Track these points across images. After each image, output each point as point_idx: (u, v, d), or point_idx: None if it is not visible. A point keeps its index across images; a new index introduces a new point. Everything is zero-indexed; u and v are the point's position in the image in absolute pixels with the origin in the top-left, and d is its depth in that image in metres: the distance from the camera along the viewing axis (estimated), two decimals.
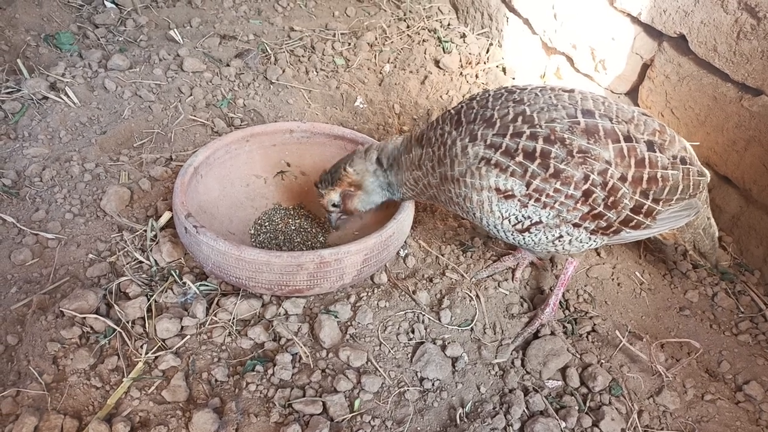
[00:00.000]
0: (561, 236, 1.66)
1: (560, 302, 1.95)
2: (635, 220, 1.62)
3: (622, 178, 1.55)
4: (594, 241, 1.69)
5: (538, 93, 1.63)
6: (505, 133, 1.57)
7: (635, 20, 2.35)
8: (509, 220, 1.65)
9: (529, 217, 1.62)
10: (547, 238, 1.67)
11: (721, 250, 2.13)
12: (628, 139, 1.55)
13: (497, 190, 1.60)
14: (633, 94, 2.49)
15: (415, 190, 1.79)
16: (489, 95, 1.68)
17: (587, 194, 1.55)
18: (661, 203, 1.61)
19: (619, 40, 2.40)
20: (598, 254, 2.10)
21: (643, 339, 1.84)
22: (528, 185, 1.56)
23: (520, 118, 1.58)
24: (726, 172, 2.15)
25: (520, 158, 1.55)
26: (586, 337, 1.85)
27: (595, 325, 1.88)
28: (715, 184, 2.20)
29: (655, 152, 1.57)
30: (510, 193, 1.59)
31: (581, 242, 1.68)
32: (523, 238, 1.69)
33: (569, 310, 1.94)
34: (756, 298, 2.00)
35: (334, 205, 1.93)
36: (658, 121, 1.65)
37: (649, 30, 2.32)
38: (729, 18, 1.98)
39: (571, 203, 1.57)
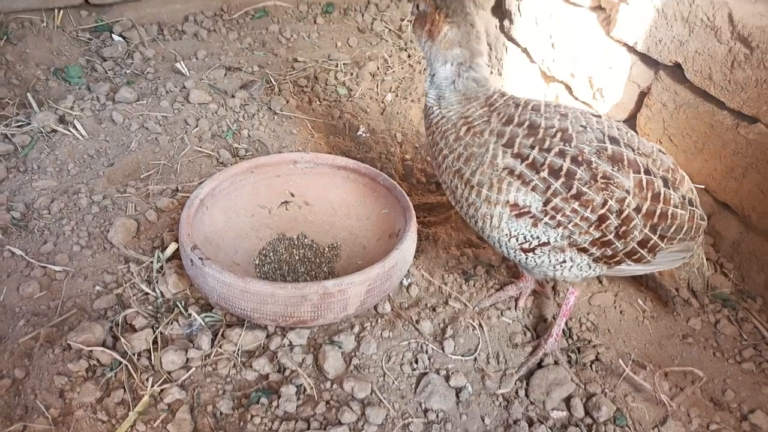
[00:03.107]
0: (564, 261, 1.66)
1: (563, 330, 1.95)
2: (639, 254, 1.64)
3: (637, 209, 1.57)
4: (593, 270, 1.71)
5: (579, 114, 1.66)
6: (535, 146, 1.57)
7: (631, 49, 2.39)
8: (517, 239, 1.65)
9: (537, 237, 1.62)
10: (550, 261, 1.67)
11: (723, 277, 2.14)
12: (647, 172, 1.59)
13: (514, 205, 1.59)
14: (631, 121, 2.52)
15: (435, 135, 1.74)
16: (542, 103, 1.68)
17: (602, 219, 1.57)
18: (665, 241, 1.64)
19: (616, 68, 2.44)
20: (600, 282, 2.12)
21: (646, 368, 1.84)
22: (547, 202, 1.56)
23: (559, 134, 1.58)
24: (725, 199, 2.16)
25: (545, 174, 1.55)
26: (590, 366, 1.86)
27: (598, 353, 1.88)
28: (715, 210, 2.22)
29: (669, 189, 1.60)
30: (526, 209, 1.59)
31: (581, 269, 1.69)
32: (526, 258, 1.69)
33: (572, 339, 1.94)
34: (759, 326, 2.01)
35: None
36: (671, 158, 1.69)
37: (646, 59, 2.36)
38: (723, 47, 2.02)
39: (584, 226, 1.57)
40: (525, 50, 2.98)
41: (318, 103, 2.98)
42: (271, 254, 2.14)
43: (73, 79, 2.92)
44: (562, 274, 1.72)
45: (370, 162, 2.64)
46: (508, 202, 1.59)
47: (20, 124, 2.56)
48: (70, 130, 2.55)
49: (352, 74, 3.19)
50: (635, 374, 1.79)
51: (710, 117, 2.14)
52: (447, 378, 1.76)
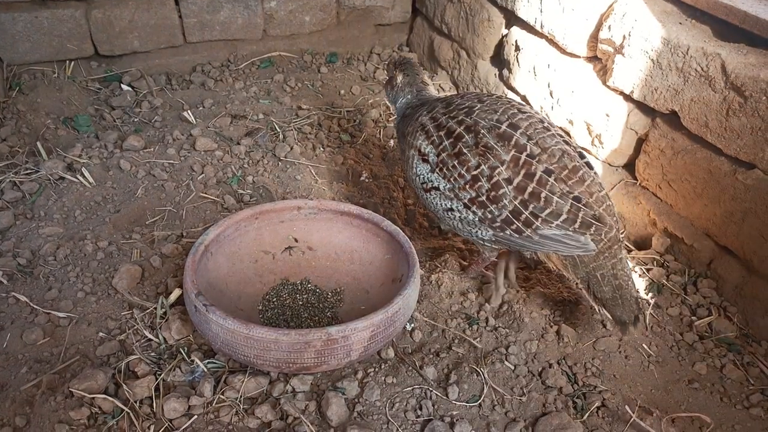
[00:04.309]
0: (452, 209, 1.99)
1: (568, 376, 1.94)
2: (515, 225, 1.86)
3: (508, 180, 1.84)
4: (483, 230, 1.95)
5: (505, 103, 2.00)
6: (447, 114, 1.99)
7: (628, 98, 2.45)
8: (419, 178, 2.05)
9: (431, 181, 2.00)
10: (441, 205, 2.02)
11: (726, 321, 2.14)
12: (531, 156, 1.84)
13: (419, 151, 2.03)
14: (630, 166, 2.56)
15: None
16: (475, 95, 2.08)
17: (474, 180, 1.88)
18: (539, 220, 1.83)
19: (614, 116, 2.50)
20: (604, 326, 2.11)
21: (653, 414, 1.82)
22: (438, 155, 1.96)
23: (465, 110, 1.98)
24: (726, 243, 2.18)
25: (442, 133, 1.97)
26: (596, 412, 1.84)
27: (604, 399, 1.86)
28: (717, 254, 2.23)
29: (549, 178, 1.82)
30: (426, 157, 2.00)
31: (471, 226, 1.97)
32: (425, 198, 2.08)
33: (578, 384, 1.93)
34: (765, 370, 1.99)
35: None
36: (578, 164, 1.87)
37: (642, 107, 2.42)
38: (717, 96, 2.07)
39: (461, 182, 1.91)
40: (524, 98, 3.05)
41: (321, 149, 3.03)
42: (275, 300, 2.15)
43: (82, 127, 2.99)
44: (455, 224, 2.02)
45: (373, 207, 2.67)
46: (416, 147, 2.04)
47: (29, 171, 2.61)
48: (77, 178, 2.59)
49: (354, 121, 3.26)
50: (642, 420, 1.77)
51: (708, 163, 2.18)
52: (451, 425, 1.74)
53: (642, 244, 2.47)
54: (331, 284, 2.23)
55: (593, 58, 2.64)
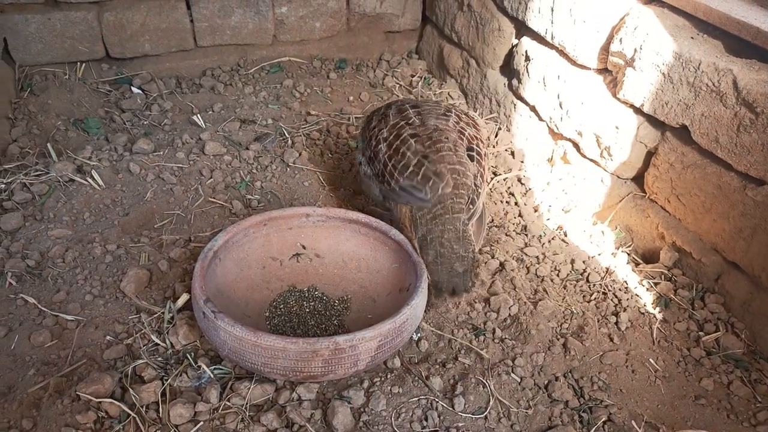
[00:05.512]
0: (361, 163, 2.38)
1: (575, 389, 1.94)
2: (385, 177, 2.19)
3: (385, 139, 2.23)
4: (375, 185, 2.30)
5: (432, 101, 2.60)
6: (392, 102, 2.45)
7: (638, 111, 2.45)
8: (356, 144, 2.55)
9: (359, 144, 2.44)
10: (357, 159, 2.43)
11: (734, 337, 2.13)
12: (408, 125, 2.22)
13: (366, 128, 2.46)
14: (639, 179, 2.56)
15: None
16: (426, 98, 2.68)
17: (369, 139, 2.31)
18: (397, 171, 2.15)
19: (623, 128, 2.49)
20: (611, 340, 2.11)
21: (659, 429, 1.81)
22: (367, 124, 2.41)
23: (401, 99, 2.50)
24: (734, 259, 2.17)
25: (380, 114, 2.37)
26: (602, 426, 1.83)
27: (611, 414, 1.86)
28: (725, 270, 2.23)
29: (411, 140, 2.17)
30: (366, 128, 2.41)
31: (371, 181, 2.32)
32: (358, 158, 2.45)
33: (584, 398, 1.92)
34: None
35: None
36: (444, 140, 2.16)
37: (652, 120, 2.42)
38: (728, 112, 2.07)
39: (364, 143, 2.35)
40: (533, 108, 3.06)
41: (330, 155, 3.04)
42: (282, 306, 2.15)
43: (92, 129, 3.00)
44: (368, 185, 2.36)
45: (380, 215, 2.66)
46: (366, 126, 2.44)
47: (39, 173, 2.62)
48: (87, 180, 2.60)
49: None
50: None
51: (717, 178, 2.17)
52: None
53: (650, 257, 2.46)
54: (338, 292, 2.23)
55: (604, 71, 2.64)
